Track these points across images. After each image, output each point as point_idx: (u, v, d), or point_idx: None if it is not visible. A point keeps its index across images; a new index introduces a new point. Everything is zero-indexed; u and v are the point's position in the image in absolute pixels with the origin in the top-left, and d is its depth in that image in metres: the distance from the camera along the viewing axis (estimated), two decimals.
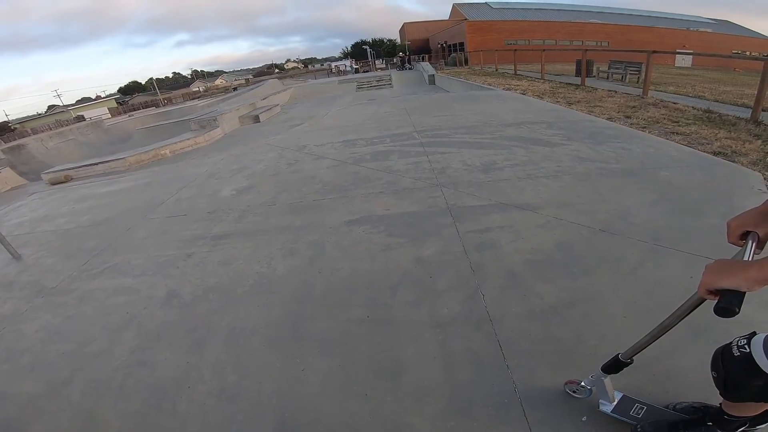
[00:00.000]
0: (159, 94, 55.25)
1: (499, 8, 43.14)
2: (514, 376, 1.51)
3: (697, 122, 5.35)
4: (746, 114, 5.56)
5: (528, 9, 43.28)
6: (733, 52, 33.55)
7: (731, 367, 0.96)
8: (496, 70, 17.67)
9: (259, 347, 1.86)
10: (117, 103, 56.15)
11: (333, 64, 48.79)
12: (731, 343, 1.00)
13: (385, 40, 73.25)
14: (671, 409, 1.28)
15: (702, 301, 0.90)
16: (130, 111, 35.72)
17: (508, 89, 10.04)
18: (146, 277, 2.69)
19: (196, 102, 26.59)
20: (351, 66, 40.92)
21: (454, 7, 45.72)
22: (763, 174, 3.20)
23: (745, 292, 0.74)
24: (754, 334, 0.97)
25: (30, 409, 1.72)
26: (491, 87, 10.86)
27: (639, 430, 1.22)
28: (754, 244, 0.88)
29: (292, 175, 4.49)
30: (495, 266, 2.21)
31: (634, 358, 1.16)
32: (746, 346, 0.94)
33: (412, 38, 46.59)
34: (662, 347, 1.53)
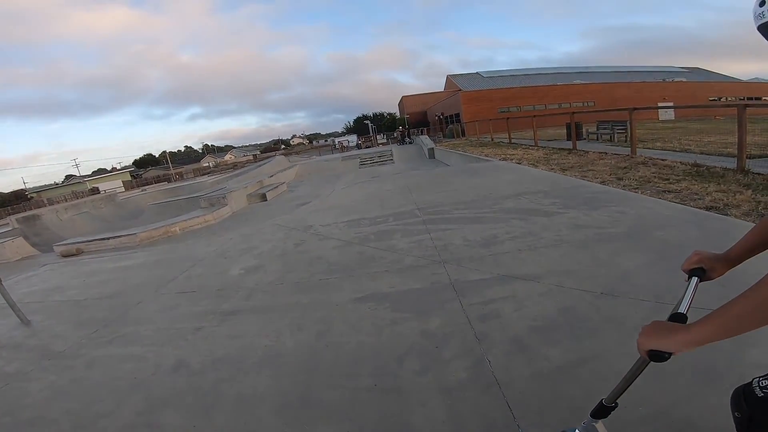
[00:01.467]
0: (171, 168, 58.10)
1: (489, 76, 46.59)
2: None
3: (686, 178, 5.57)
4: (732, 163, 5.79)
5: (515, 75, 46.59)
6: (710, 99, 35.35)
7: (757, 407, 0.99)
8: (492, 140, 18.67)
9: (267, 414, 1.87)
10: (131, 176, 58.88)
11: (337, 140, 51.59)
12: (751, 383, 1.03)
13: (385, 114, 78.34)
14: None
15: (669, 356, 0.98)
16: (143, 185, 37.30)
17: (504, 159, 10.56)
18: (155, 347, 2.75)
19: (205, 178, 27.88)
20: (356, 142, 43.11)
21: (448, 78, 49.58)
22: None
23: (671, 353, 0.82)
24: None
25: None
26: (488, 158, 11.39)
27: None
28: (695, 283, 1.00)
29: (300, 255, 4.62)
30: (500, 334, 2.24)
31: (618, 402, 1.18)
32: None
33: (411, 111, 49.53)
34: (679, 395, 1.58)
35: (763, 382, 1.01)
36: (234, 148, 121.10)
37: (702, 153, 7.76)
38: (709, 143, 9.40)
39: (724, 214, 3.73)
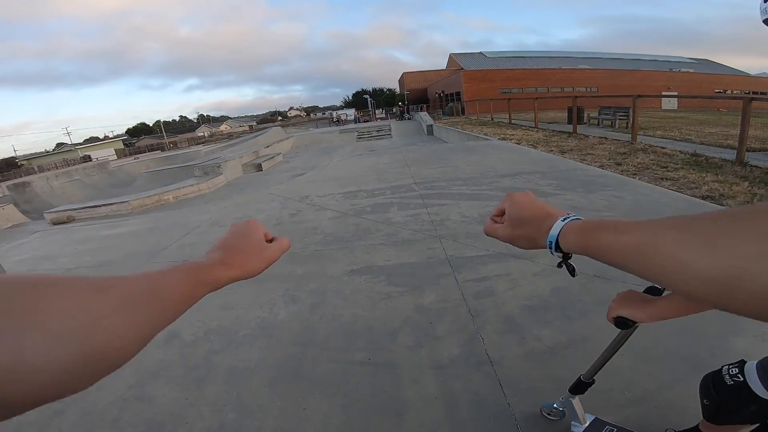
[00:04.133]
0: (165, 137, 57.05)
1: (493, 57, 45.69)
2: (515, 413, 1.54)
3: (685, 166, 5.58)
4: (732, 155, 5.80)
5: (520, 57, 45.80)
6: (716, 91, 35.15)
7: (726, 395, 1.02)
8: (492, 120, 18.46)
9: (260, 387, 1.87)
10: (124, 144, 57.86)
11: (335, 113, 50.82)
12: (720, 371, 1.07)
13: (384, 90, 76.96)
14: None
15: (635, 324, 0.97)
16: (136, 153, 36.70)
17: (504, 139, 10.47)
18: None
19: (200, 147, 27.40)
20: (354, 115, 42.43)
21: (451, 56, 48.47)
22: None
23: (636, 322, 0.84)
24: (743, 362, 1.04)
25: None
26: (487, 137, 11.31)
27: None
28: None
29: (295, 226, 4.60)
30: (493, 312, 2.26)
31: (595, 378, 1.24)
32: (740, 375, 1.01)
33: (411, 88, 48.82)
34: (662, 380, 1.61)
35: (733, 370, 1.03)
36: (230, 118, 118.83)
37: (702, 143, 7.73)
38: (710, 134, 9.37)
39: (720, 204, 3.75)
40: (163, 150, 37.37)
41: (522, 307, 2.28)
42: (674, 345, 1.79)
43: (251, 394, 1.83)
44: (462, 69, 38.54)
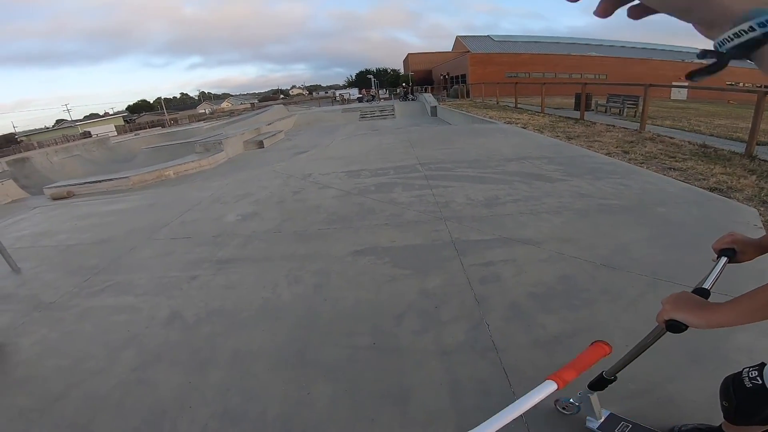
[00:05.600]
0: (166, 113, 56.37)
1: (501, 41, 44.75)
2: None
3: (693, 157, 5.49)
4: (741, 148, 5.70)
5: (528, 42, 44.82)
6: (727, 83, 34.49)
7: (745, 397, 1.02)
8: (497, 103, 18.16)
9: (263, 371, 1.86)
10: (124, 121, 57.24)
11: (338, 92, 50.07)
12: (741, 374, 1.06)
13: (388, 70, 75.52)
14: (676, 430, 1.32)
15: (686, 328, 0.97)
16: (137, 129, 36.33)
17: (509, 123, 10.30)
18: (149, 297, 2.70)
19: (201, 124, 27.11)
20: (359, 95, 41.75)
21: (458, 38, 47.47)
22: (758, 210, 3.28)
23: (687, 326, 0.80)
24: (763, 365, 1.03)
25: (20, 422, 1.72)
26: (493, 120, 11.14)
27: None
28: (723, 263, 0.98)
29: (297, 204, 4.56)
30: (499, 298, 2.25)
31: (617, 375, 1.23)
32: (758, 378, 1.00)
33: (415, 69, 47.97)
34: (664, 373, 1.60)
35: (753, 372, 1.02)
36: (231, 96, 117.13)
37: (711, 135, 7.59)
38: (720, 126, 9.21)
39: (727, 197, 3.69)
40: (163, 126, 36.97)
41: (528, 294, 2.26)
42: (677, 338, 1.75)
43: (255, 378, 1.82)
44: (468, 51, 37.78)
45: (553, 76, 33.53)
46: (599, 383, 1.27)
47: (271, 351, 1.99)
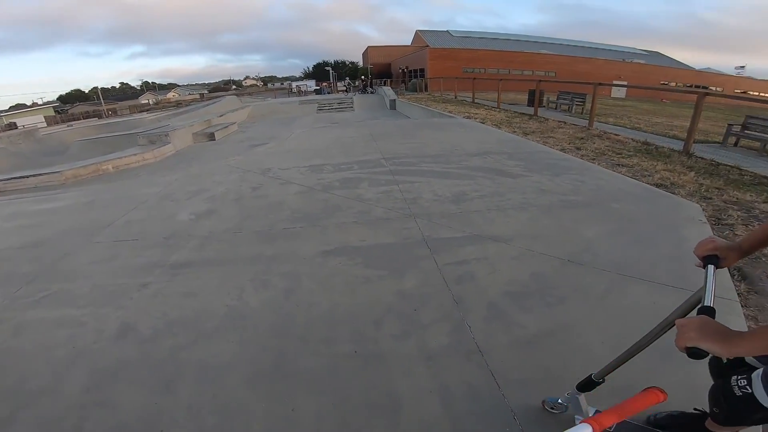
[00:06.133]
0: (103, 104, 51.88)
1: (459, 36, 45.70)
2: (511, 405, 1.52)
3: (637, 154, 5.87)
4: (679, 146, 6.19)
5: (484, 38, 46.23)
6: (661, 83, 37.51)
7: (735, 405, 1.05)
8: (456, 98, 18.49)
9: (238, 386, 1.71)
10: (55, 111, 52.08)
11: (294, 84, 48.63)
12: (729, 382, 1.09)
13: (347, 63, 74.56)
14: (651, 419, 1.37)
15: (666, 330, 0.98)
16: (70, 121, 33.15)
17: (468, 117, 10.50)
18: (93, 308, 2.42)
19: (144, 115, 25.19)
20: (318, 86, 40.74)
21: (417, 33, 47.77)
22: (701, 205, 3.55)
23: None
24: (751, 370, 1.06)
25: None
26: (452, 115, 11.30)
27: None
28: (713, 276, 0.99)
29: (258, 201, 4.32)
30: (476, 298, 2.24)
31: (605, 378, 1.25)
32: (748, 387, 1.02)
33: (375, 62, 47.73)
34: (636, 369, 1.62)
35: (741, 381, 1.05)
36: (178, 86, 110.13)
37: (651, 132, 8.20)
38: (657, 124, 9.97)
39: (672, 193, 3.96)
40: (101, 117, 34.02)
41: (503, 293, 2.27)
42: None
43: (230, 394, 1.67)
44: (428, 46, 38.16)
45: (507, 73, 34.71)
46: (588, 385, 1.28)
47: (244, 364, 1.84)
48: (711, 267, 1.00)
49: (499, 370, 1.68)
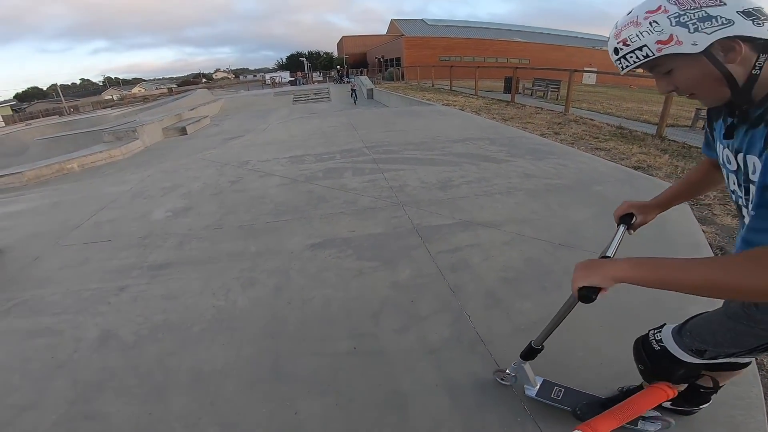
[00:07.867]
0: (64, 101, 49.13)
1: (434, 25, 45.70)
2: (519, 395, 1.49)
3: (613, 138, 6.00)
4: (652, 130, 6.36)
5: (459, 26, 46.42)
6: None
7: (655, 360, 1.07)
8: (433, 86, 18.43)
9: (236, 392, 1.62)
10: (12, 110, 49.07)
11: (268, 76, 47.41)
12: (647, 336, 1.12)
13: (321, 53, 73.19)
14: (620, 392, 1.39)
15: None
16: (28, 119, 31.28)
17: (447, 105, 10.48)
18: (68, 316, 2.25)
19: (108, 111, 23.98)
20: (295, 78, 39.80)
21: (393, 22, 47.38)
22: None
23: (600, 288, 0.83)
24: (663, 325, 1.10)
25: None
26: (431, 102, 11.26)
27: (578, 412, 1.33)
28: (622, 231, 1.11)
29: (238, 195, 4.15)
30: (473, 286, 2.20)
31: (544, 344, 1.30)
32: (663, 341, 1.06)
33: (350, 52, 47.12)
34: (580, 339, 1.72)
35: (657, 335, 1.08)
36: (144, 81, 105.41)
37: (624, 117, 8.39)
38: (628, 109, 10.20)
39: (650, 175, 4.05)
40: (61, 115, 32.23)
41: (499, 279, 2.25)
42: (611, 300, 1.84)
43: (229, 401, 1.57)
44: (403, 35, 37.95)
45: (483, 60, 34.98)
46: (529, 353, 1.33)
47: (240, 368, 1.74)
48: (622, 226, 1.12)
49: (504, 360, 1.64)
